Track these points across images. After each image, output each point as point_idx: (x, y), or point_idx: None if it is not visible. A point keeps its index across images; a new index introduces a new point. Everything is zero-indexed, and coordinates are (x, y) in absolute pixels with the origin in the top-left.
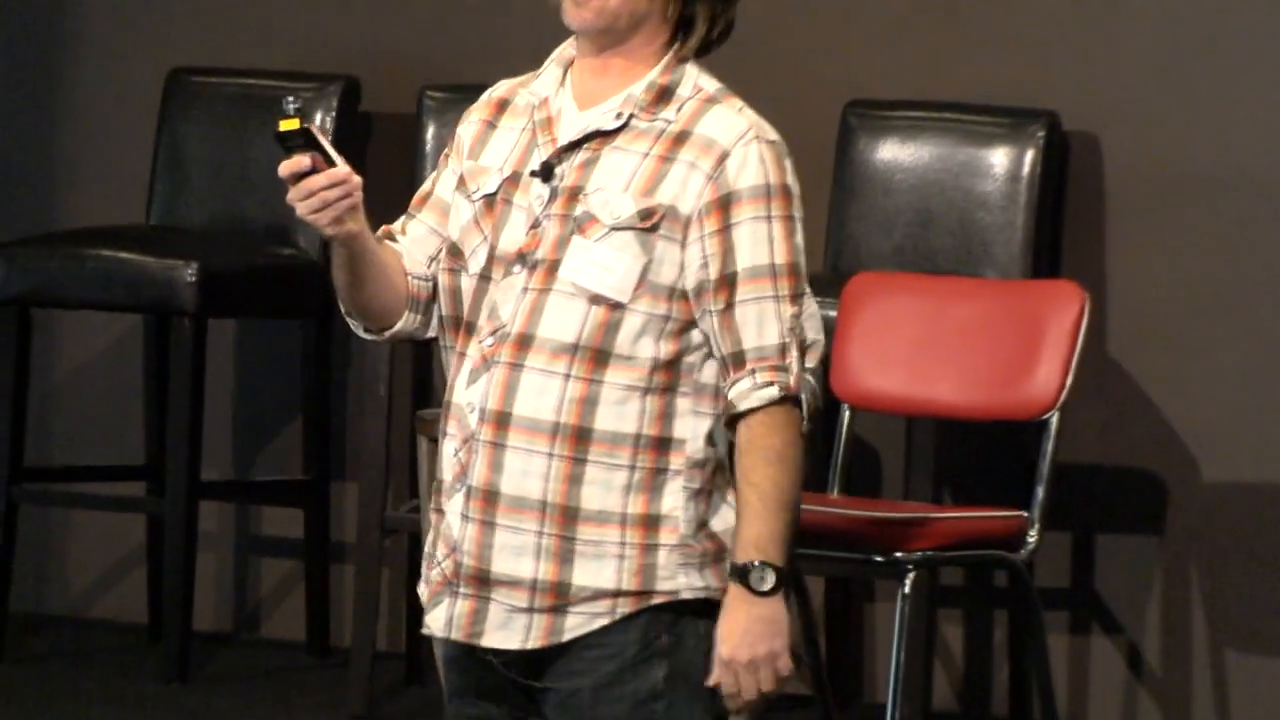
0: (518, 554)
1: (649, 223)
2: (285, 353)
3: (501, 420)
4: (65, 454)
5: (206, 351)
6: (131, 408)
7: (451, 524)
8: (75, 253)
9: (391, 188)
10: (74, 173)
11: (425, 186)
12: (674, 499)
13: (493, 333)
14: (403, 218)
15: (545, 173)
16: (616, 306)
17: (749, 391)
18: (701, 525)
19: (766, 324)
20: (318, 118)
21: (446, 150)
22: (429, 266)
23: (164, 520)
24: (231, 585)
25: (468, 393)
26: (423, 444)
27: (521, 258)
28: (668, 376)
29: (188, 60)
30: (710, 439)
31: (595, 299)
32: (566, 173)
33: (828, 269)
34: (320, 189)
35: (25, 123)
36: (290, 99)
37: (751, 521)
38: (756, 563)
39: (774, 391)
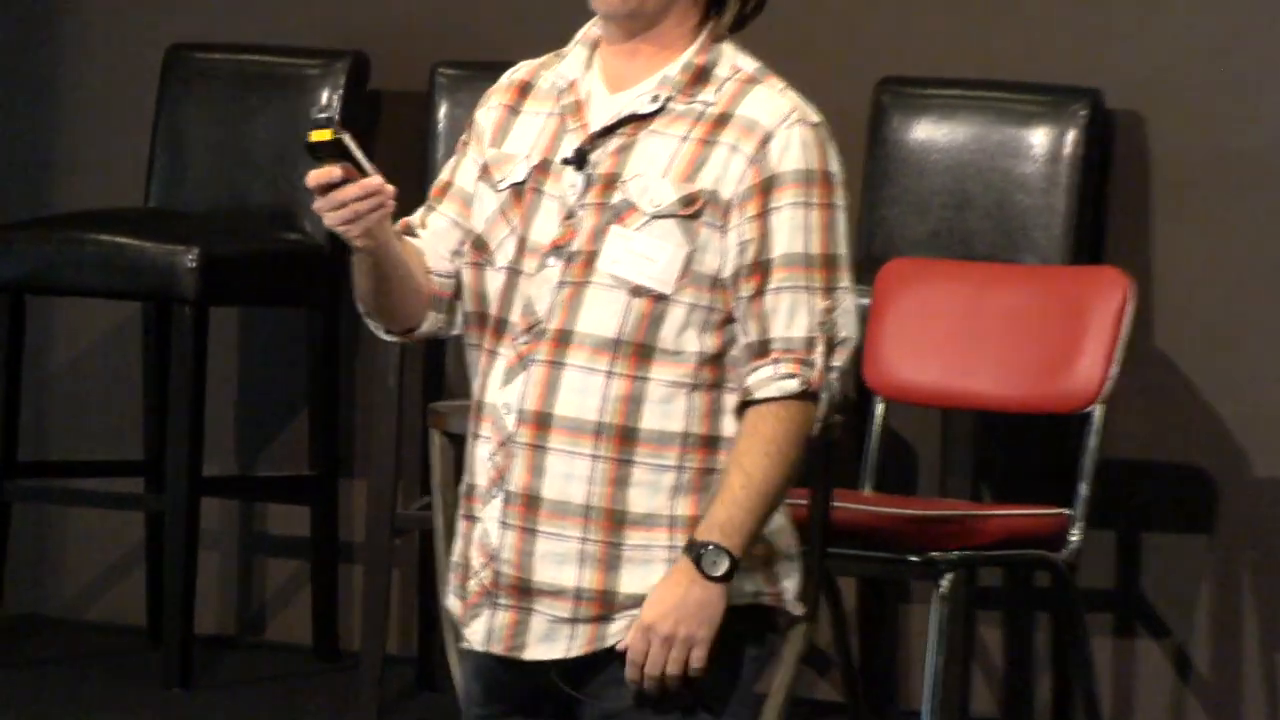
0: (561, 562)
1: (691, 209)
2: (291, 342)
3: (542, 421)
4: (60, 448)
5: (208, 341)
6: (130, 400)
7: (489, 531)
8: (71, 237)
9: (403, 170)
10: (70, 154)
11: (444, 175)
12: None
13: (528, 329)
14: (421, 209)
15: (578, 160)
16: (659, 298)
17: (768, 380)
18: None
19: (796, 314)
20: (324, 96)
21: (464, 137)
22: (452, 262)
23: (164, 518)
24: (235, 586)
25: (503, 393)
26: (435, 438)
27: (556, 249)
28: (714, 371)
29: (188, 36)
30: None
31: (637, 291)
32: (601, 159)
33: (860, 254)
34: (352, 200)
35: (18, 102)
36: (321, 107)
37: (727, 505)
38: (714, 545)
39: (793, 384)
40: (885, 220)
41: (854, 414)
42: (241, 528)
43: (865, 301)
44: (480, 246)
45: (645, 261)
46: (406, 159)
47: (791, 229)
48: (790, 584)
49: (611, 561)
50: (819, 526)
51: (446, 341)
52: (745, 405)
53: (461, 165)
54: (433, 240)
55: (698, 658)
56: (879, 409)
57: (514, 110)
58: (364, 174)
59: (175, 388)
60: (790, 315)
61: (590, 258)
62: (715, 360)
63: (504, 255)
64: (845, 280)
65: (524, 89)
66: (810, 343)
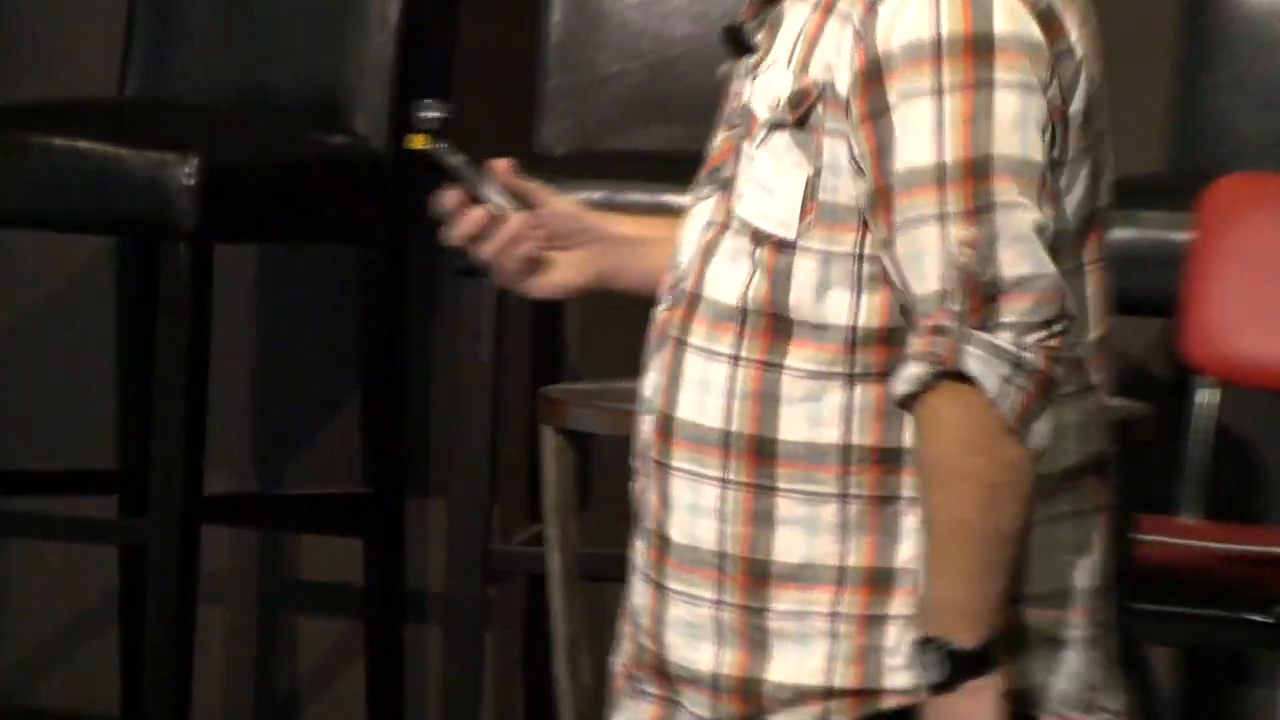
0: (694, 634)
1: (799, 112)
2: (334, 297)
3: (666, 428)
4: None
5: (213, 295)
6: (98, 383)
7: (634, 586)
8: (14, 142)
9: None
10: (12, 26)
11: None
12: (911, 544)
13: (671, 288)
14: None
15: (737, 40)
16: (782, 246)
17: (900, 370)
18: None
19: (924, 260)
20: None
21: None
22: None
23: (146, 554)
24: (252, 656)
25: (645, 382)
26: (548, 439)
27: (711, 174)
28: (881, 352)
29: None
30: None
31: (758, 237)
32: (761, 41)
33: (1168, 167)
34: (465, 237)
35: None
36: (426, 102)
37: (923, 575)
38: (924, 638)
39: (916, 371)
40: (1211, 117)
41: (1166, 405)
42: (262, 570)
43: (1178, 237)
44: None
45: (762, 193)
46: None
47: (911, 132)
48: (1051, 676)
49: (754, 636)
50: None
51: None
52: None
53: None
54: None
55: None
56: (1205, 397)
57: None
58: (480, 199)
59: (164, 364)
60: (917, 262)
61: (733, 188)
62: (880, 337)
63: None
64: (1012, 193)
65: None
66: (942, 297)
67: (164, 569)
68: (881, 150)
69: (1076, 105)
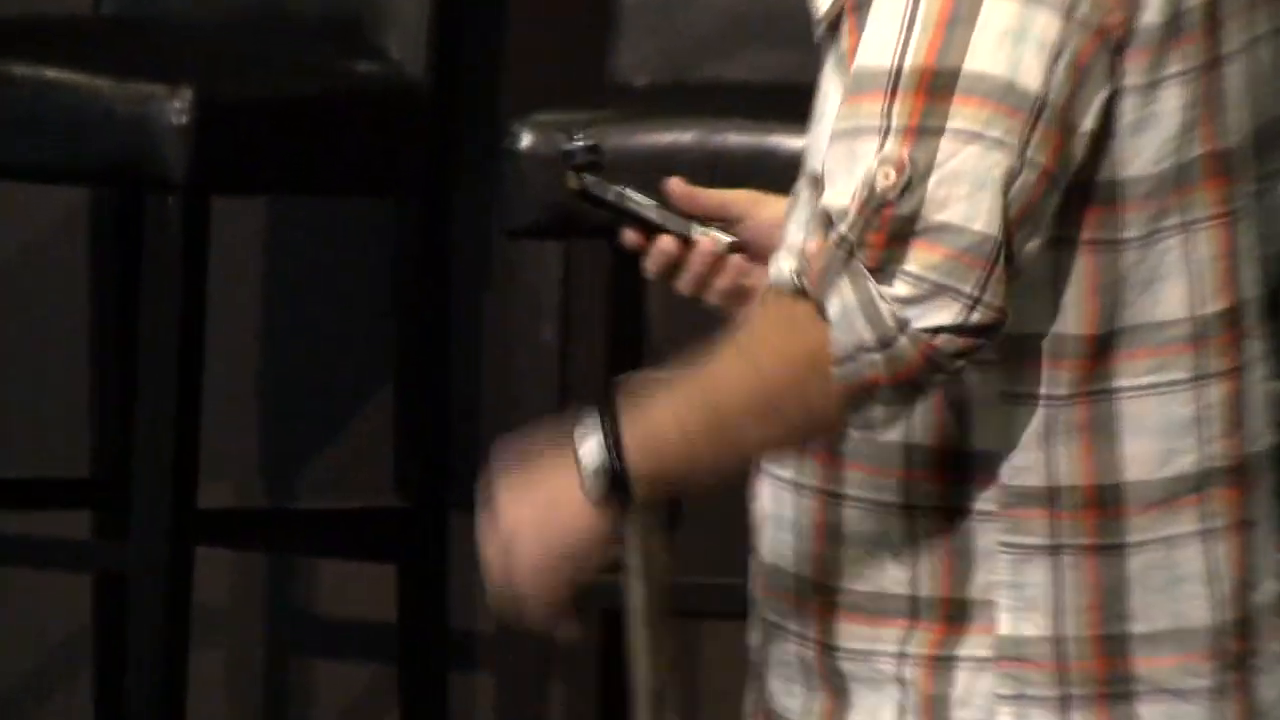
0: (786, 674)
1: (833, 33)
2: (359, 265)
3: None
4: None
5: (209, 257)
6: (69, 371)
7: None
8: None
9: None
10: None
11: None
12: (990, 568)
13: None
14: None
15: None
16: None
17: (775, 259)
18: (1055, 616)
19: (850, 170)
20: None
21: None
22: None
23: (128, 583)
24: (257, 706)
25: None
26: None
27: None
28: None
29: None
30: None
31: (816, 182)
32: None
33: None
34: (657, 270)
35: None
36: (575, 137)
37: (657, 395)
38: (598, 420)
39: (782, 269)
40: None
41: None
42: (270, 603)
43: None
44: None
45: (814, 130)
46: None
47: (881, 28)
48: None
49: (832, 677)
50: (1251, 608)
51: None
52: None
53: None
54: None
55: (538, 587)
56: None
57: None
58: (662, 228)
59: (150, 347)
60: (841, 170)
61: None
62: None
63: None
64: (976, 120)
65: None
66: (843, 215)
67: (148, 601)
68: (857, 48)
69: (1154, 16)
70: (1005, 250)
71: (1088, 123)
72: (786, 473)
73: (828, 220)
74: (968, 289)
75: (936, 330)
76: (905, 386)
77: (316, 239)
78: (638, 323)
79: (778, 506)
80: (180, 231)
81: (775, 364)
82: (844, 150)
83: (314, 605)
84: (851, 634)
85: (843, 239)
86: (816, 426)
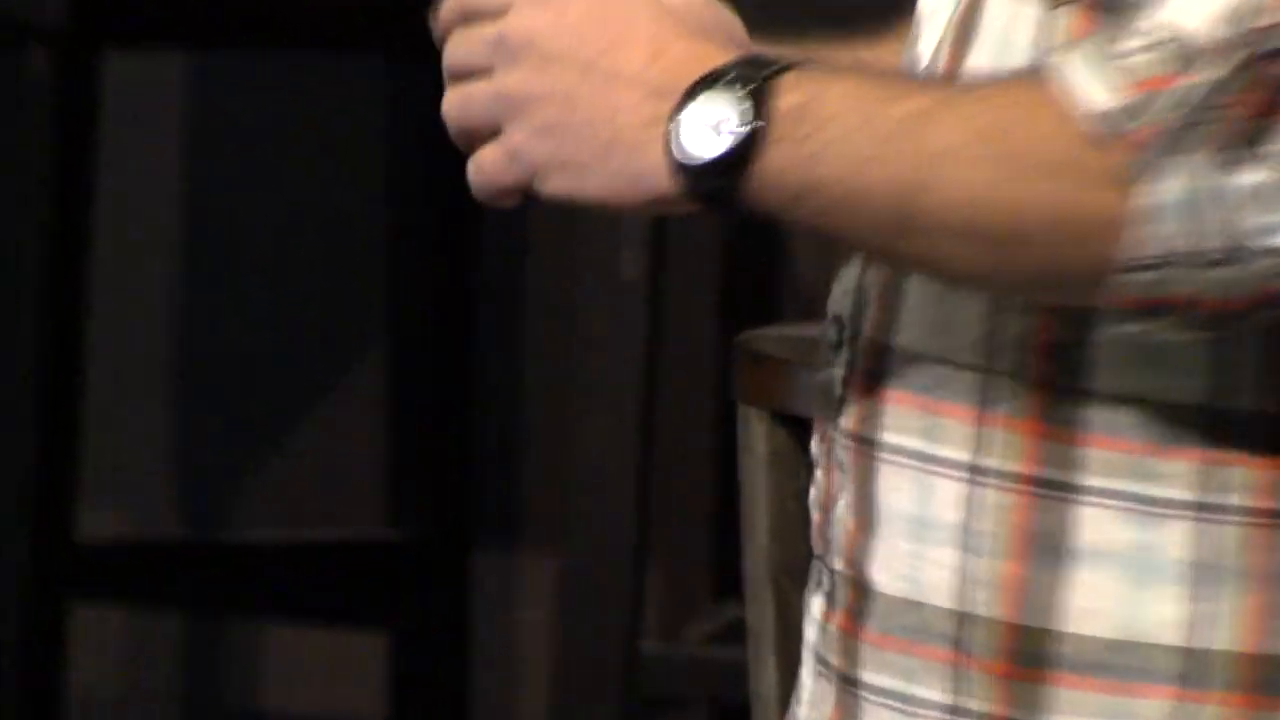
0: None
1: None
2: (338, 161)
3: (874, 373)
4: None
5: (103, 151)
6: None
7: (802, 679)
8: None
9: None
10: None
11: None
12: None
13: None
14: None
15: None
16: None
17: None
18: None
19: None
20: None
21: None
22: None
23: None
24: None
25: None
26: (752, 423)
27: None
28: None
29: None
30: None
31: None
32: None
33: None
34: None
35: None
36: None
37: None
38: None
39: (1096, 86)
40: None
41: None
42: (191, 688)
43: None
44: None
45: None
46: None
47: None
48: None
49: None
50: None
51: None
52: None
53: None
54: None
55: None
56: None
57: None
58: None
59: (6, 292)
60: None
61: None
62: None
63: None
64: None
65: None
66: (1198, 54)
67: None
68: None
69: None
70: None
71: None
72: (948, 450)
73: (1182, 56)
74: None
75: None
76: (1230, 318)
77: (274, 120)
78: (755, 252)
79: (921, 506)
80: (56, 101)
81: (1034, 205)
82: None
83: (261, 691)
84: (1076, 706)
85: (1215, 89)
86: (1064, 291)
